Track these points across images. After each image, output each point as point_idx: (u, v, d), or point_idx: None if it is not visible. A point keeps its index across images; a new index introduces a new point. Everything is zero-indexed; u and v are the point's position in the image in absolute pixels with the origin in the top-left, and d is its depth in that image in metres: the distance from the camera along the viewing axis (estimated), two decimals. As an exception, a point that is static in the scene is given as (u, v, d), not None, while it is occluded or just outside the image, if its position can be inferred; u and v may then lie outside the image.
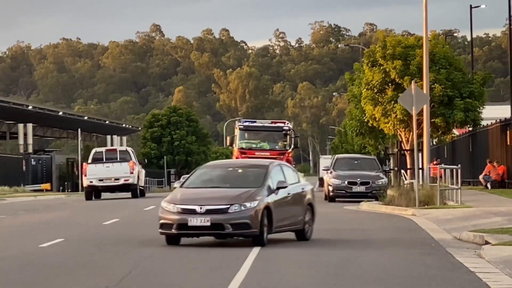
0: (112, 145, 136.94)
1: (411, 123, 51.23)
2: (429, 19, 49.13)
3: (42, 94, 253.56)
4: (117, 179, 68.51)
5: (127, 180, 68.65)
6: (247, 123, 58.89)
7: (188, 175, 29.74)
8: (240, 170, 28.96)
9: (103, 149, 78.13)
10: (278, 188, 26.57)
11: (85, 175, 69.12)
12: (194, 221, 25.58)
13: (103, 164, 69.27)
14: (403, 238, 30.51)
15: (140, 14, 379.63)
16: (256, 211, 25.44)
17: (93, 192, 69.88)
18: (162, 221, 26.31)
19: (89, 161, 70.64)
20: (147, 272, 21.40)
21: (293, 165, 51.20)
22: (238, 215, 25.44)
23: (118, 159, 70.28)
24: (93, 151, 75.28)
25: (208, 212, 25.64)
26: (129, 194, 70.79)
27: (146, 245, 27.70)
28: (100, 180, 68.40)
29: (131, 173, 68.97)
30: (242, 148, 56.18)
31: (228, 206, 25.57)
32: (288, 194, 27.07)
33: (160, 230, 26.46)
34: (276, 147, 55.87)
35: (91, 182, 68.23)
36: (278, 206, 26.43)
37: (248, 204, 25.44)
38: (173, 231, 26.06)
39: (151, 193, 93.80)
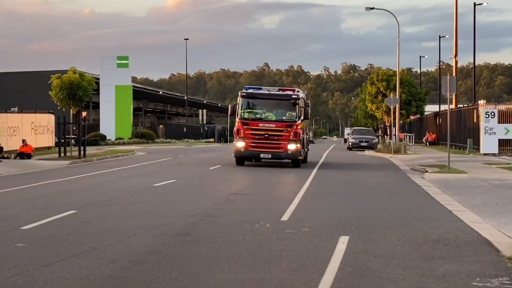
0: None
1: (390, 113, 54.03)
2: (400, 61, 51.71)
3: (210, 95, 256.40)
4: None
5: None
6: (251, 90, 31.66)
7: None
8: None
9: None
10: None
11: None
12: None
13: None
14: (386, 168, 31.59)
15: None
16: None
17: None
18: None
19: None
20: (260, 182, 22.64)
21: (306, 136, 34.59)
22: None
23: None
24: None
25: None
26: None
27: (258, 169, 28.87)
28: None
29: None
30: (244, 119, 30.46)
31: None
32: None
33: None
34: (284, 118, 30.34)
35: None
36: None
37: None
38: None
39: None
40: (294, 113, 30.08)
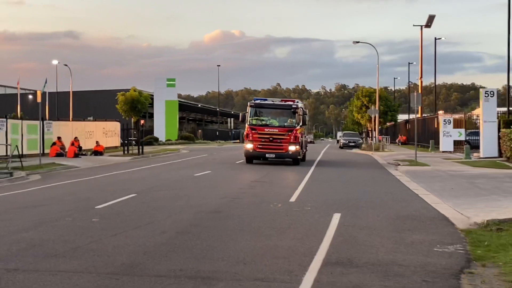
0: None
1: (372, 120, 53.78)
2: (379, 81, 51.01)
3: (237, 107, 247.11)
4: None
5: None
6: (258, 101, 28.37)
7: None
8: None
9: None
10: None
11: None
12: None
13: None
14: (368, 162, 31.05)
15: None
16: None
17: None
18: None
19: None
20: (272, 174, 22.29)
21: (305, 139, 31.28)
22: None
23: None
24: None
25: None
26: None
27: (268, 165, 28.38)
28: None
29: None
30: (252, 125, 27.64)
31: None
32: None
33: None
34: (285, 124, 27.52)
35: None
36: None
37: None
38: None
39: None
40: (294, 120, 27.44)
